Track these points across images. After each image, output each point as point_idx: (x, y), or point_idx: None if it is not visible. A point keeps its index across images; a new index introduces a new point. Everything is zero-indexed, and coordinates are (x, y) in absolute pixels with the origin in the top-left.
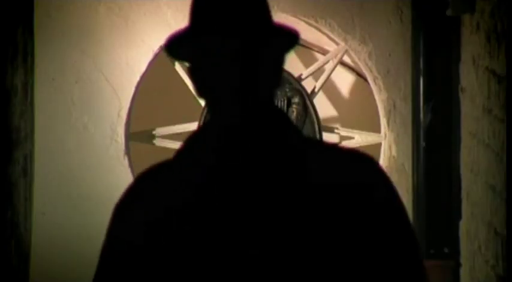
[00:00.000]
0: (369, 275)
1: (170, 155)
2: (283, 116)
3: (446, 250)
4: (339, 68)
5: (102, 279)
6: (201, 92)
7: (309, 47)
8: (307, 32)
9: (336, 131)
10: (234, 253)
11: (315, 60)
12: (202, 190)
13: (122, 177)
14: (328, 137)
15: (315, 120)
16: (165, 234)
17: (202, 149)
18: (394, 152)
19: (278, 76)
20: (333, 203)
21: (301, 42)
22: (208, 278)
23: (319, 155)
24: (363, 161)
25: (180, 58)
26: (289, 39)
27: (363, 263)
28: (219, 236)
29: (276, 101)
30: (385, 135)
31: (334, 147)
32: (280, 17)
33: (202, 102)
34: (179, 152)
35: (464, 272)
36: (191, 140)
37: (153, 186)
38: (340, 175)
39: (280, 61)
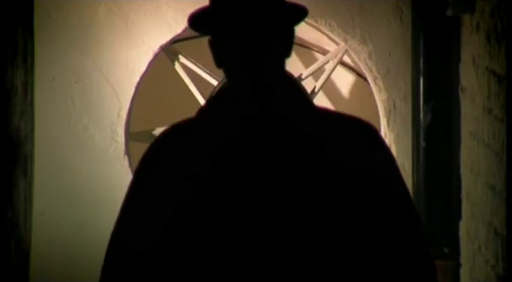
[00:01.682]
0: (368, 254)
1: None
2: (294, 85)
3: (446, 250)
4: (339, 68)
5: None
6: (219, 61)
7: (309, 47)
8: (307, 32)
9: None
10: (249, 226)
11: (315, 60)
12: (225, 158)
13: (122, 177)
14: None
15: None
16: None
17: (224, 115)
18: (394, 152)
19: (289, 46)
20: (336, 185)
21: (301, 42)
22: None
23: (325, 132)
24: (365, 137)
25: (202, 32)
26: (297, 14)
27: (363, 245)
28: (233, 208)
29: None
30: (385, 135)
31: (338, 120)
32: None
33: (202, 102)
34: (201, 117)
35: (464, 272)
36: (212, 103)
37: (179, 149)
38: (346, 156)
39: (290, 33)
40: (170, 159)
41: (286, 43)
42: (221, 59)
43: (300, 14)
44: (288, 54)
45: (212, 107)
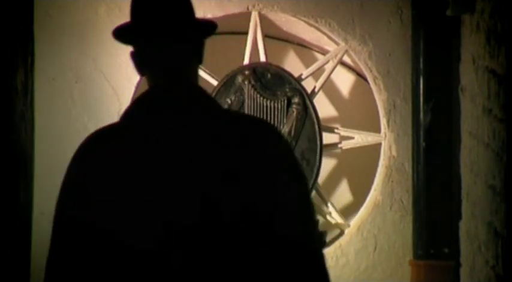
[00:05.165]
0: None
1: None
2: (202, 90)
3: (446, 250)
4: (339, 68)
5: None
6: (142, 69)
7: (309, 47)
8: (307, 32)
9: (336, 131)
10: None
11: (315, 60)
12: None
13: None
14: (328, 137)
15: (315, 120)
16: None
17: (144, 118)
18: (394, 152)
19: (201, 55)
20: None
21: (301, 42)
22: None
23: (227, 121)
24: (261, 132)
25: (126, 43)
26: (207, 29)
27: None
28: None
29: (276, 102)
30: (385, 135)
31: (238, 117)
32: (280, 17)
33: None
34: (125, 120)
35: (464, 272)
36: (134, 108)
37: (105, 152)
38: (240, 143)
39: (201, 44)
40: (97, 165)
41: (199, 52)
42: (144, 66)
43: (210, 28)
44: (200, 62)
45: (135, 111)
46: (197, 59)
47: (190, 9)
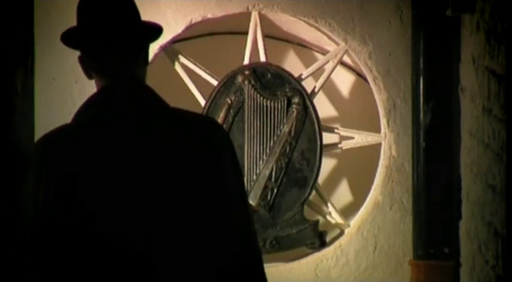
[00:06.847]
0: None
1: None
2: (150, 90)
3: (446, 250)
4: (339, 68)
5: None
6: (89, 72)
7: (309, 47)
8: (307, 32)
9: (336, 131)
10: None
11: (315, 60)
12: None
13: None
14: (328, 137)
15: (315, 120)
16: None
17: (101, 116)
18: (394, 152)
19: (145, 57)
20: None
21: (301, 42)
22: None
23: (176, 116)
24: (204, 123)
25: (74, 48)
26: (153, 33)
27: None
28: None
29: (276, 102)
30: (385, 135)
31: (186, 113)
32: (280, 17)
33: (202, 102)
34: (77, 121)
35: (464, 272)
36: (86, 110)
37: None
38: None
39: (146, 47)
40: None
41: (145, 54)
42: (92, 70)
43: (155, 31)
44: (146, 63)
45: (86, 112)
46: (143, 60)
47: (135, 13)
